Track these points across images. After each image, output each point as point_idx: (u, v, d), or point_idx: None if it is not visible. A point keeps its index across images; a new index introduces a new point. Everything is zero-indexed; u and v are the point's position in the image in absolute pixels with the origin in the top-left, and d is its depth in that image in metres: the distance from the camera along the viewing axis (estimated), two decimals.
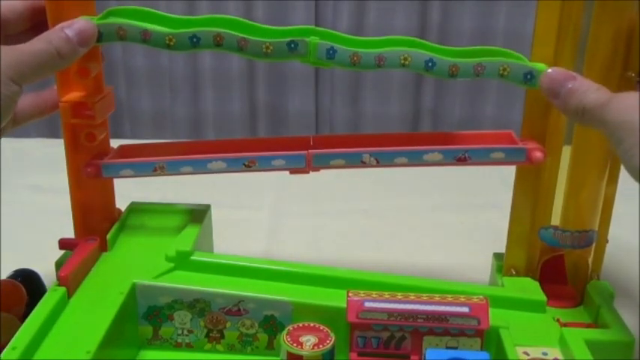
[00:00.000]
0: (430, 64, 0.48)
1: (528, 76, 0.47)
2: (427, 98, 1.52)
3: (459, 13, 1.44)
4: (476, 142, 0.53)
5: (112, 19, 0.48)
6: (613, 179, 0.51)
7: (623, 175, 0.50)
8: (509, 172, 0.52)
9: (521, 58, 0.48)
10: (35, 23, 0.49)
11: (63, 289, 0.47)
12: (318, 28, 0.48)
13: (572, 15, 0.47)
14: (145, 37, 0.48)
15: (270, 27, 0.49)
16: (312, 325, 0.46)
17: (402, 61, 0.49)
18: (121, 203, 0.58)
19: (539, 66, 0.47)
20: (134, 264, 0.52)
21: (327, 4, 1.45)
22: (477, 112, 1.52)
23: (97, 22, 0.47)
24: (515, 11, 1.42)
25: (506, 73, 0.48)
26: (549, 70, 0.45)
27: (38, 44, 0.43)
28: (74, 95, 0.50)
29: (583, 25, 0.47)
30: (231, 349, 0.51)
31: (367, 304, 0.46)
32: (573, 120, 0.44)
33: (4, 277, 0.54)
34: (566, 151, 0.50)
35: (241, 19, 0.49)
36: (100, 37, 0.47)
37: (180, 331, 0.50)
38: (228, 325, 0.50)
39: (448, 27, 1.45)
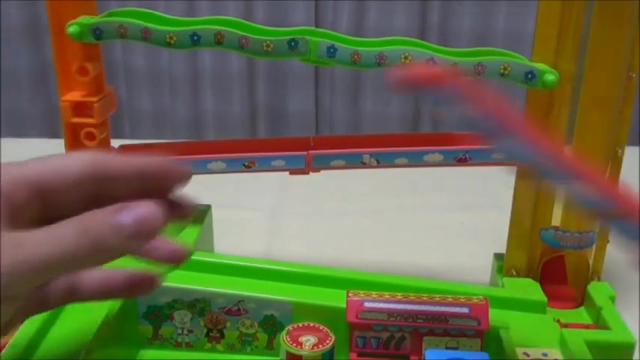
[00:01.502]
0: (431, 62, 0.48)
1: (529, 76, 0.47)
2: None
3: (458, 13, 1.44)
4: (476, 142, 0.53)
5: (112, 18, 0.48)
6: (614, 179, 0.51)
7: (623, 175, 0.51)
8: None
9: (522, 59, 0.48)
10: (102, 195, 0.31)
11: None
12: (318, 29, 0.48)
13: (573, 15, 0.46)
14: (146, 35, 0.48)
15: (270, 28, 0.49)
16: (311, 325, 0.46)
17: (403, 60, 0.49)
18: None
19: (540, 66, 0.47)
20: (134, 263, 0.51)
21: (327, 5, 1.45)
22: None
23: (97, 20, 0.47)
24: (515, 11, 1.42)
25: (507, 72, 0.48)
26: None
27: (64, 231, 0.28)
28: (74, 95, 0.50)
29: (584, 26, 0.47)
30: (230, 348, 0.50)
31: (367, 304, 0.46)
32: None
33: None
34: (566, 152, 0.50)
35: (241, 20, 0.49)
36: (100, 34, 0.48)
37: (180, 331, 0.50)
38: (228, 324, 0.50)
39: (448, 27, 1.45)
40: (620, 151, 0.50)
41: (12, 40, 1.47)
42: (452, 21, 1.45)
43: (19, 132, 1.50)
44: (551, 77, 0.47)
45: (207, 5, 1.45)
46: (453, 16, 1.44)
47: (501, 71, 0.48)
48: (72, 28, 0.47)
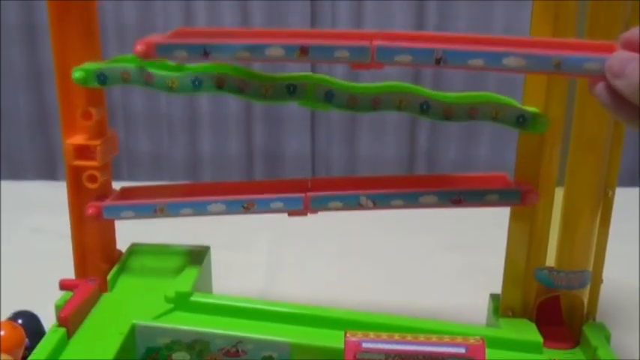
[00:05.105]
0: (425, 106, 0.50)
1: (520, 119, 0.49)
2: (422, 140, 1.54)
3: (455, 13, 1.45)
4: (470, 184, 0.54)
5: (116, 63, 0.49)
6: (605, 219, 0.52)
7: (616, 215, 0.51)
8: (504, 212, 0.53)
9: (514, 103, 0.49)
10: None
11: (63, 329, 0.47)
12: (315, 75, 0.50)
13: (569, 15, 0.47)
14: (148, 80, 0.49)
15: (268, 74, 0.50)
16: None
17: (398, 104, 0.50)
18: (122, 244, 0.59)
19: (531, 109, 0.49)
20: (134, 305, 0.52)
21: (325, 6, 1.46)
22: (471, 154, 1.53)
23: (102, 66, 0.49)
24: (512, 10, 1.42)
25: (499, 116, 0.49)
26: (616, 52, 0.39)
27: None
28: (77, 138, 0.51)
29: (578, 26, 0.48)
30: None
31: (365, 345, 0.46)
32: (634, 97, 0.36)
33: (3, 318, 0.54)
34: (559, 193, 0.51)
35: (240, 66, 0.50)
36: (105, 80, 0.49)
37: None
38: None
39: (445, 27, 1.45)
40: (610, 192, 0.51)
41: (12, 82, 1.49)
42: (449, 20, 1.46)
43: (18, 174, 1.51)
44: (541, 121, 0.48)
45: (205, 9, 1.45)
46: (450, 16, 1.45)
47: (494, 115, 0.49)
48: (77, 74, 0.48)
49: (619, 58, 0.37)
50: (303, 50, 0.45)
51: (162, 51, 0.46)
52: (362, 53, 0.44)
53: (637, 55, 0.36)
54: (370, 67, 0.45)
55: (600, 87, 0.38)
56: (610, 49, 0.38)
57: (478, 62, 0.43)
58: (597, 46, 0.41)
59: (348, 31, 0.48)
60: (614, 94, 0.37)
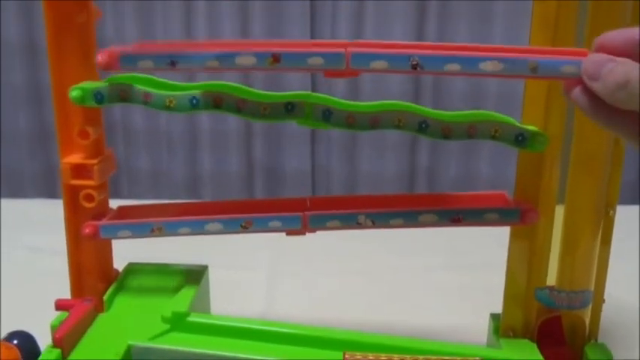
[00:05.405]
0: (424, 125, 0.50)
1: (519, 138, 0.49)
2: (423, 157, 1.54)
3: (455, 23, 1.45)
4: (470, 202, 0.53)
5: (114, 82, 0.49)
6: (606, 238, 0.51)
7: (617, 233, 0.51)
8: (505, 231, 0.52)
9: (512, 122, 0.49)
10: None
11: (58, 350, 0.47)
12: (313, 94, 0.50)
13: (570, 15, 0.47)
14: (146, 99, 0.49)
15: (267, 92, 0.50)
16: None
17: (397, 123, 0.50)
18: (119, 262, 0.58)
19: (530, 128, 0.49)
20: (130, 325, 0.51)
21: (324, 17, 1.46)
22: (472, 171, 1.53)
23: (99, 85, 0.49)
24: (512, 22, 1.42)
25: (497, 134, 0.49)
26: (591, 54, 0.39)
27: None
28: (74, 157, 0.51)
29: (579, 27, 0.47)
30: None
31: None
32: (611, 99, 0.36)
33: None
34: (559, 211, 0.51)
35: (239, 85, 0.50)
36: (102, 99, 0.49)
37: None
38: None
39: (444, 37, 1.45)
40: (611, 211, 0.50)
41: (13, 100, 1.50)
42: (448, 30, 1.46)
43: (18, 192, 1.51)
44: (540, 139, 0.48)
45: (205, 18, 1.45)
46: (449, 26, 1.45)
47: (492, 133, 0.49)
48: (74, 93, 0.48)
49: (593, 60, 0.37)
50: (275, 58, 0.43)
51: (126, 61, 0.45)
52: (336, 60, 0.43)
53: (611, 57, 0.36)
54: (345, 74, 0.44)
55: (577, 91, 0.38)
56: (584, 55, 0.38)
57: (455, 67, 0.42)
58: (572, 52, 0.41)
59: (322, 41, 0.47)
60: (592, 96, 0.37)
